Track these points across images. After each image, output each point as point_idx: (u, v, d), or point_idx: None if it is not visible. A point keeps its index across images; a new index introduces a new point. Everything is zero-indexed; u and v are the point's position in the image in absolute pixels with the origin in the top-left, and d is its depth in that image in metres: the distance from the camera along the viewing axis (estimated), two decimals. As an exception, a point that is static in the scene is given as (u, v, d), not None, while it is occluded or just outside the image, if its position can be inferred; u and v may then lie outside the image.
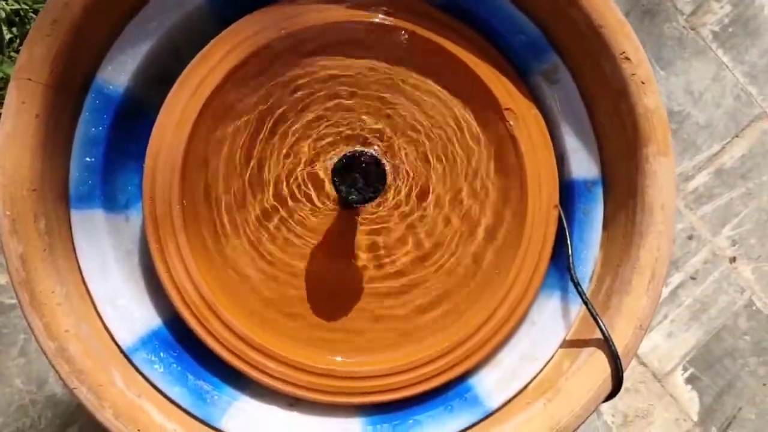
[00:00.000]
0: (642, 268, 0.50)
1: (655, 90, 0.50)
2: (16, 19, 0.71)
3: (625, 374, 0.49)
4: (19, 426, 0.71)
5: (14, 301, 0.71)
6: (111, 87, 0.50)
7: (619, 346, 0.49)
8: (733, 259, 0.80)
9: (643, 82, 0.49)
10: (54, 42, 0.46)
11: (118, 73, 0.50)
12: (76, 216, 0.50)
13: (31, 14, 0.71)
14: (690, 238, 0.80)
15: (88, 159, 0.50)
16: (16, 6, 0.71)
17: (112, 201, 0.51)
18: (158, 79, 0.51)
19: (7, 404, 0.71)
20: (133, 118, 0.51)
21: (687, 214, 0.80)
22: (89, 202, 0.50)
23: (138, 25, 0.50)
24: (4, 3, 0.70)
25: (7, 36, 0.71)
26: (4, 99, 0.73)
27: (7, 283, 0.71)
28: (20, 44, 0.72)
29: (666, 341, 0.80)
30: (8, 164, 0.45)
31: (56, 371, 0.46)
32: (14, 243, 0.45)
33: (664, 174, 0.50)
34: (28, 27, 0.72)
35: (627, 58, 0.49)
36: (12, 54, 0.71)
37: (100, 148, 0.50)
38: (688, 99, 0.79)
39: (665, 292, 0.80)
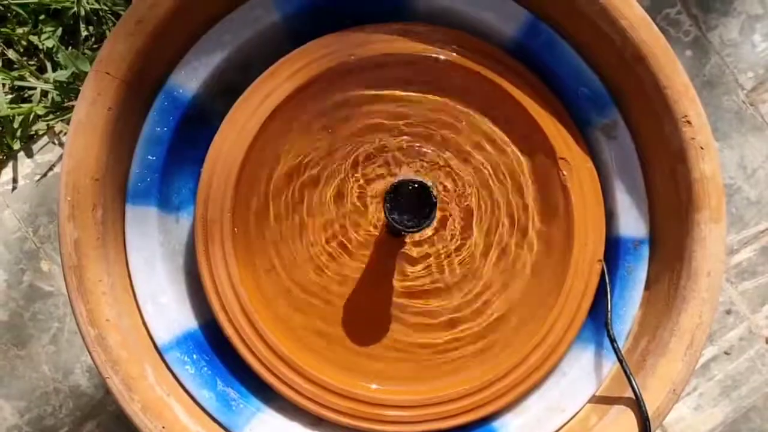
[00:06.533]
0: (681, 332, 0.49)
1: (713, 156, 0.49)
2: (94, 18, 0.73)
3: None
4: (39, 412, 0.72)
5: (53, 288, 0.72)
6: (181, 91, 0.51)
7: (650, 408, 0.48)
8: (769, 340, 0.79)
9: (702, 148, 0.49)
10: (136, 40, 0.48)
11: (190, 78, 0.52)
12: (131, 211, 0.51)
13: (109, 15, 0.74)
14: (728, 312, 0.79)
15: (150, 157, 0.51)
16: (96, 6, 0.73)
17: (166, 201, 0.52)
18: (225, 89, 0.53)
19: (32, 389, 0.72)
20: (196, 124, 0.53)
21: (728, 288, 0.79)
22: (145, 199, 0.51)
23: (214, 35, 0.52)
24: (84, 1, 0.73)
25: (83, 33, 0.74)
26: (75, 93, 0.76)
27: (48, 270, 0.72)
28: (95, 42, 0.75)
29: (692, 414, 0.78)
30: (76, 151, 0.47)
31: (92, 358, 0.46)
32: (70, 228, 0.46)
33: (714, 241, 0.50)
34: (104, 27, 0.74)
35: (689, 122, 0.49)
36: (86, 51, 0.74)
37: (163, 148, 0.51)
38: (740, 173, 0.79)
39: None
